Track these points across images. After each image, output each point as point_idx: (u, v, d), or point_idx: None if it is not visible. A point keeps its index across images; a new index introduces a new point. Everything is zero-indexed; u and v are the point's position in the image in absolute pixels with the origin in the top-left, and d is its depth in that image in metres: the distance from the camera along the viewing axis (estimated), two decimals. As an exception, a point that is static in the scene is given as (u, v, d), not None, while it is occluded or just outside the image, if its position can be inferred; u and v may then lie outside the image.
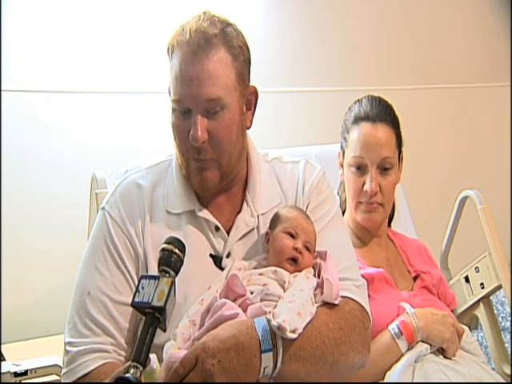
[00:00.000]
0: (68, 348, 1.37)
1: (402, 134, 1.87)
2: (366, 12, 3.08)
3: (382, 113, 1.82)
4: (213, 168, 1.41)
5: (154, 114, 2.55)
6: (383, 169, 1.80)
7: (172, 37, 1.40)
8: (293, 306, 1.28)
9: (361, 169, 1.80)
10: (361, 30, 3.07)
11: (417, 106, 3.12)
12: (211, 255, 1.45)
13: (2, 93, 2.30)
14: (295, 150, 2.15)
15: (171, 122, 1.43)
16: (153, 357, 1.19)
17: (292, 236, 1.42)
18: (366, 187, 1.78)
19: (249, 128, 1.49)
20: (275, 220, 1.46)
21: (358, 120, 1.82)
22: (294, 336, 1.25)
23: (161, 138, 2.48)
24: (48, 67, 2.40)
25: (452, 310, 1.86)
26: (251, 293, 1.33)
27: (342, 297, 1.37)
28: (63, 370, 1.37)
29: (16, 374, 1.82)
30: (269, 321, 1.26)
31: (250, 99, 1.46)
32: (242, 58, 1.40)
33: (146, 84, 2.55)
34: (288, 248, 1.41)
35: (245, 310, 1.30)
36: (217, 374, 1.19)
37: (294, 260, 1.41)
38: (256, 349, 1.23)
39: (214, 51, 1.35)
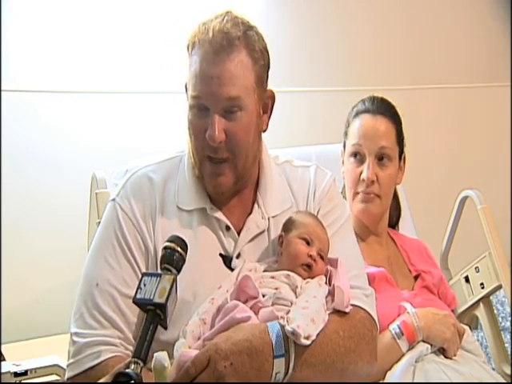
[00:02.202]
0: (75, 338, 1.36)
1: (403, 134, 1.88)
2: (366, 12, 3.08)
3: (383, 108, 1.85)
4: (227, 171, 1.41)
5: (154, 114, 2.56)
6: (381, 159, 1.81)
7: (193, 34, 1.40)
8: (307, 312, 1.28)
9: (359, 158, 1.82)
10: (361, 30, 3.06)
11: (417, 105, 3.12)
12: (221, 255, 1.45)
13: (2, 93, 2.30)
14: (295, 150, 2.15)
15: (188, 119, 1.42)
16: (163, 354, 1.19)
17: (307, 243, 1.43)
18: (363, 175, 1.79)
19: (264, 131, 1.49)
20: (290, 224, 1.46)
21: (358, 113, 1.86)
22: (308, 342, 1.25)
23: (161, 137, 2.50)
24: (48, 67, 2.40)
25: (452, 310, 1.86)
26: (263, 295, 1.33)
27: (352, 305, 1.38)
28: (69, 361, 1.37)
29: (16, 374, 1.82)
30: (282, 326, 1.26)
31: (267, 103, 1.46)
32: (262, 62, 1.41)
33: (146, 84, 2.55)
34: (303, 254, 1.41)
35: (256, 313, 1.30)
36: (228, 376, 1.19)
37: (309, 266, 1.41)
38: (269, 354, 1.23)
39: (236, 53, 1.36)
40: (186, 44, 1.41)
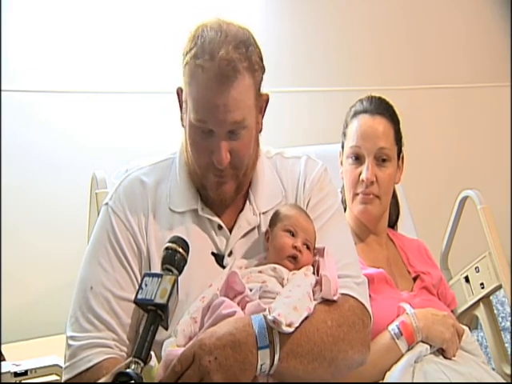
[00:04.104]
0: (70, 342, 1.37)
1: (403, 134, 1.88)
2: (366, 12, 3.08)
3: (382, 108, 1.85)
4: (230, 181, 1.42)
5: (154, 114, 2.56)
6: (380, 160, 1.81)
7: (190, 47, 1.36)
8: (289, 300, 1.28)
9: (358, 159, 1.82)
10: (361, 30, 3.07)
11: (417, 106, 3.12)
12: (213, 253, 1.45)
13: (2, 93, 2.30)
14: (295, 150, 2.14)
15: (189, 135, 1.41)
16: (151, 354, 1.19)
17: (292, 234, 1.42)
18: (362, 176, 1.79)
19: (260, 131, 1.49)
20: (275, 218, 1.46)
21: (356, 113, 1.85)
22: (290, 330, 1.24)
23: (161, 138, 2.50)
24: (48, 67, 2.40)
25: (452, 311, 1.86)
26: (250, 290, 1.33)
27: (342, 294, 1.37)
28: (65, 364, 1.38)
29: (16, 374, 1.82)
30: (265, 317, 1.26)
31: (261, 106, 1.46)
32: (260, 74, 1.40)
33: (146, 84, 2.55)
34: (287, 246, 1.41)
35: (244, 308, 1.31)
36: (213, 370, 1.19)
37: (294, 258, 1.41)
38: (252, 345, 1.23)
39: (241, 78, 1.34)
40: (182, 52, 1.38)
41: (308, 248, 1.43)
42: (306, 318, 1.29)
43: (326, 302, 1.36)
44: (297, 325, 1.26)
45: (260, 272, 1.39)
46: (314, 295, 1.35)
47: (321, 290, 1.36)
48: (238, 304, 1.31)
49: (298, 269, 1.40)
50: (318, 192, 1.52)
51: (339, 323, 1.34)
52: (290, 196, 1.52)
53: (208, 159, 1.39)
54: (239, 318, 1.27)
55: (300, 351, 1.28)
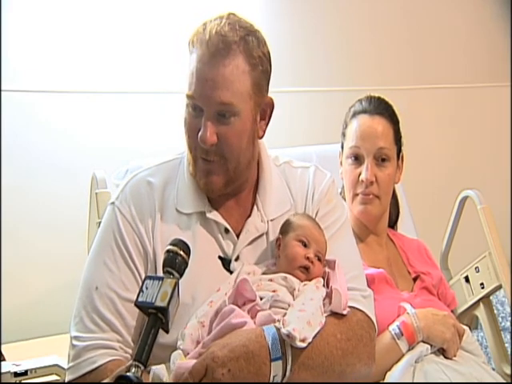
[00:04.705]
0: (74, 342, 1.36)
1: (403, 134, 1.88)
2: (366, 12, 3.08)
3: (381, 108, 1.85)
4: (219, 172, 1.41)
5: (154, 114, 2.56)
6: (380, 160, 1.81)
7: (193, 33, 1.40)
8: (303, 314, 1.28)
9: (357, 159, 1.82)
10: (361, 30, 3.07)
11: (417, 106, 3.12)
12: (220, 257, 1.45)
13: (2, 93, 2.30)
14: (295, 150, 2.15)
15: (184, 117, 1.42)
16: (161, 368, 1.19)
17: (304, 245, 1.42)
18: (362, 176, 1.79)
19: (261, 137, 1.48)
20: (287, 226, 1.45)
21: (356, 114, 1.85)
22: (304, 345, 1.25)
23: (161, 138, 2.51)
24: (48, 67, 2.40)
25: (452, 311, 1.86)
26: (261, 298, 1.33)
27: (350, 307, 1.38)
28: (69, 364, 1.37)
29: (16, 374, 1.82)
30: (278, 329, 1.25)
31: (265, 109, 1.45)
32: (260, 68, 1.39)
33: (146, 84, 2.55)
34: (300, 256, 1.41)
35: (253, 316, 1.30)
36: (227, 383, 1.19)
37: (306, 269, 1.40)
38: (266, 357, 1.23)
39: (232, 57, 1.35)
40: (187, 41, 1.41)
41: (319, 259, 1.43)
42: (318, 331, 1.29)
43: (335, 314, 1.36)
44: (310, 340, 1.26)
45: (270, 280, 1.38)
46: (323, 307, 1.35)
47: (330, 303, 1.36)
48: (248, 312, 1.31)
49: (309, 280, 1.40)
50: (326, 204, 1.52)
51: (348, 337, 1.35)
52: (299, 206, 1.52)
53: (196, 141, 1.39)
54: (251, 329, 1.27)
55: (311, 364, 1.28)
